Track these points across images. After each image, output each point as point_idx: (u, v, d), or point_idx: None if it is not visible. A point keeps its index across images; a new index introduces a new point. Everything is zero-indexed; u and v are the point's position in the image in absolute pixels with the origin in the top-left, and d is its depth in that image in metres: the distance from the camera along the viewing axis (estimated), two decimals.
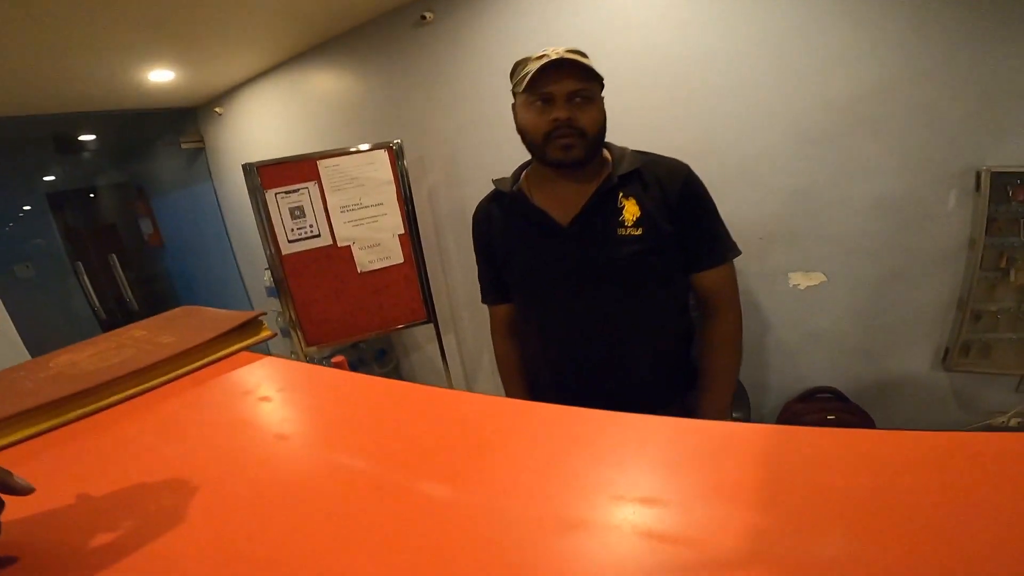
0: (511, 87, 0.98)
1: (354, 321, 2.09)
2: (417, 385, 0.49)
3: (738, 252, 1.02)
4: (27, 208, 4.64)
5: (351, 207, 2.05)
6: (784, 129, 1.75)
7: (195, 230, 4.15)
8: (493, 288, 1.14)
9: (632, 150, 1.00)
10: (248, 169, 1.94)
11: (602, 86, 0.93)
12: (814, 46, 1.69)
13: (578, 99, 0.89)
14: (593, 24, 1.86)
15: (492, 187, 1.12)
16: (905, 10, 1.58)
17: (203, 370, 0.59)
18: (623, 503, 0.29)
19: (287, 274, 2.00)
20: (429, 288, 2.19)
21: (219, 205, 3.76)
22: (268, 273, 2.66)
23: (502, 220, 1.04)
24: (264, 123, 3.06)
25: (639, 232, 0.92)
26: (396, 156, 2.08)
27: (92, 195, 5.24)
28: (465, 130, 2.22)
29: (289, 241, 2.00)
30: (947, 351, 1.78)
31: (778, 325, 1.95)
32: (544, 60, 0.88)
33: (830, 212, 1.77)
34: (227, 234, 3.79)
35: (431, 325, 2.23)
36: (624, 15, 1.80)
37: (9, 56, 1.96)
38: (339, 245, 2.05)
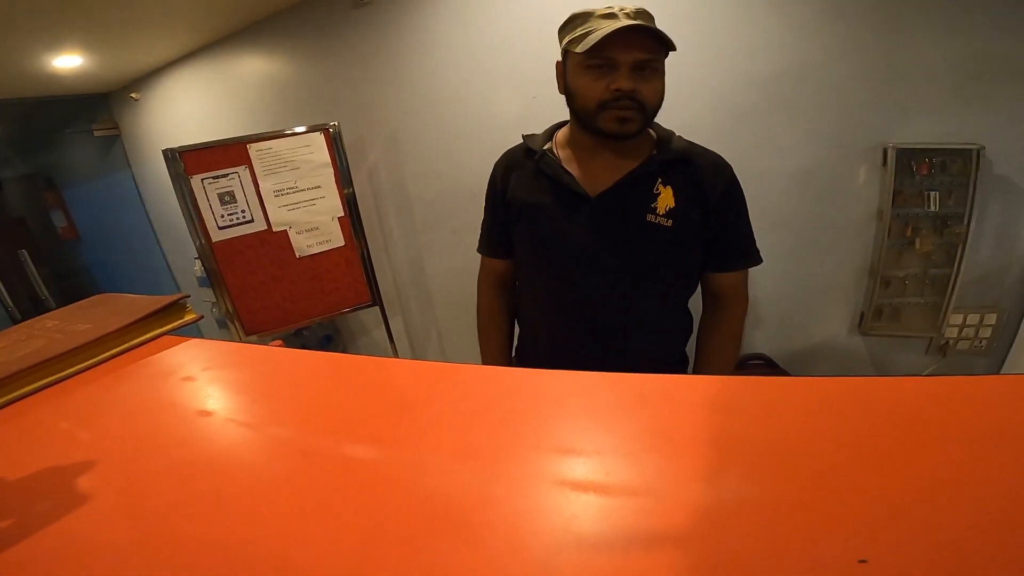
0: (562, 42, 0.88)
1: (295, 307, 2.02)
2: (345, 355, 0.48)
3: (760, 261, 1.01)
4: None
5: (286, 191, 1.97)
6: (707, 104, 1.82)
7: (114, 221, 3.85)
8: (494, 241, 1.10)
9: (678, 136, 0.95)
10: (169, 155, 1.82)
11: (667, 55, 0.84)
12: (737, 25, 1.76)
13: (643, 69, 0.82)
14: (529, 6, 1.86)
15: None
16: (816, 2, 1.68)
17: (122, 356, 0.56)
18: (543, 453, 0.30)
19: (219, 262, 1.90)
20: (373, 270, 2.14)
21: (140, 194, 3.50)
22: (199, 263, 2.51)
23: (525, 177, 0.99)
24: (189, 108, 2.86)
25: (669, 224, 0.89)
26: (333, 138, 2.00)
27: None
28: (406, 110, 2.17)
29: (220, 228, 1.89)
30: (862, 316, 1.94)
31: None
32: (614, 23, 0.78)
33: (751, 186, 1.83)
34: (151, 224, 3.54)
35: (376, 308, 2.19)
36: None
37: None
38: (274, 230, 1.97)
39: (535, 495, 0.27)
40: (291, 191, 1.97)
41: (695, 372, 1.07)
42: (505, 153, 1.07)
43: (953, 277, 1.81)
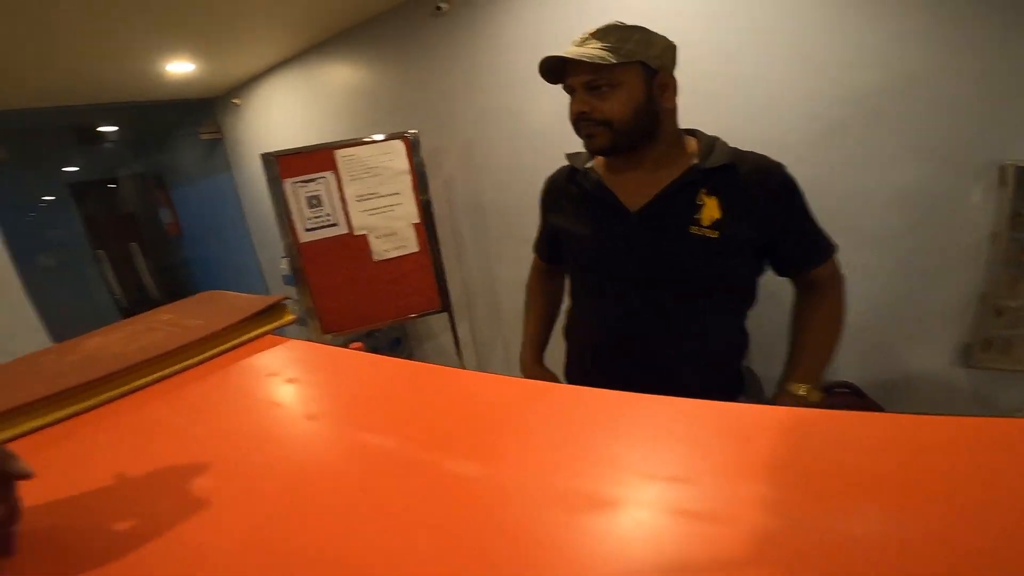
0: None
1: (369, 309, 2.11)
2: (439, 367, 0.49)
3: (836, 247, 0.97)
4: (49, 198, 4.75)
5: (367, 196, 2.07)
6: (802, 120, 1.72)
7: (213, 219, 4.22)
8: (545, 248, 1.20)
9: (723, 142, 0.93)
10: (267, 159, 1.97)
11: (643, 66, 0.85)
12: (835, 38, 1.65)
13: (600, 88, 0.85)
14: (612, 15, 1.84)
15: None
16: (929, 2, 1.55)
17: (229, 353, 0.60)
18: (653, 481, 0.29)
19: (304, 262, 2.03)
20: (444, 277, 2.20)
21: (237, 195, 3.81)
22: (285, 261, 2.70)
23: (570, 195, 1.02)
24: (281, 113, 3.09)
25: (715, 235, 0.86)
26: (412, 146, 2.09)
27: (112, 185, 5.34)
28: (481, 120, 2.22)
29: (306, 230, 2.03)
30: (967, 347, 1.75)
31: None
32: (551, 55, 0.87)
33: (849, 204, 1.74)
34: (245, 223, 3.84)
35: (445, 314, 2.25)
36: (644, 6, 1.79)
37: (30, 47, 2.00)
38: (355, 234, 2.07)
39: (647, 524, 0.27)
40: (372, 197, 2.07)
41: (792, 356, 1.00)
42: (554, 173, 1.12)
43: None
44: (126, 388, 0.52)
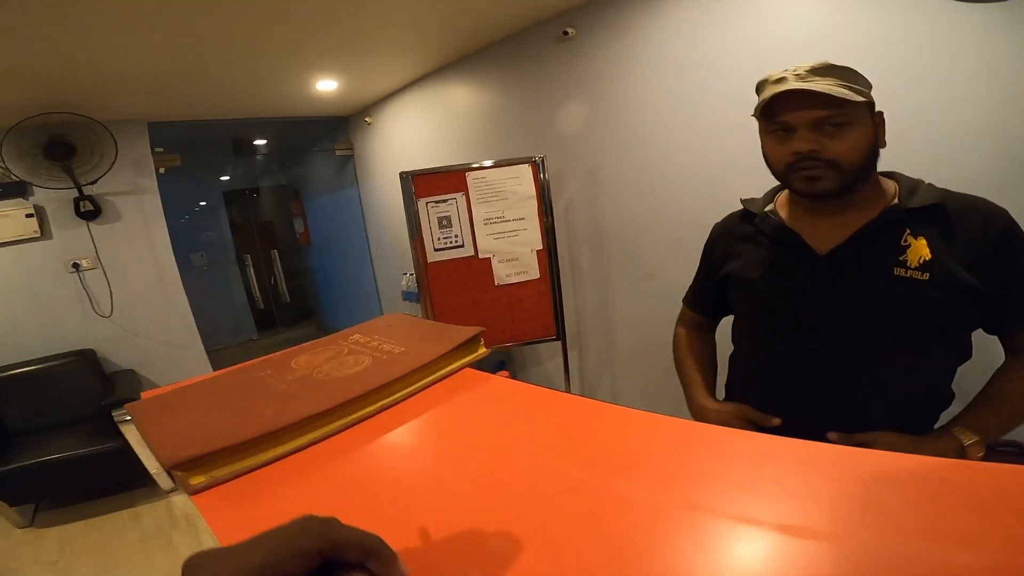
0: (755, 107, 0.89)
1: (488, 333, 2.13)
2: (631, 410, 0.49)
3: None
4: (203, 203, 5.45)
5: (494, 220, 2.11)
6: (990, 153, 1.47)
7: (338, 231, 4.56)
8: (699, 298, 1.12)
9: (930, 184, 0.86)
10: (405, 178, 2.07)
11: (870, 104, 0.80)
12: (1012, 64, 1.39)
13: (830, 126, 0.78)
14: (746, 42, 1.72)
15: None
16: None
17: (438, 385, 0.60)
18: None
19: (430, 281, 2.10)
20: (561, 305, 2.17)
21: (362, 209, 4.09)
22: (405, 278, 2.83)
23: (744, 242, 0.96)
24: (408, 133, 3.27)
25: (925, 277, 0.78)
26: (539, 171, 2.09)
27: (256, 194, 6.01)
28: (607, 146, 2.18)
29: (435, 250, 2.10)
30: None
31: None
32: (779, 87, 0.78)
33: None
34: (366, 237, 4.11)
35: (557, 342, 2.21)
36: (779, 32, 1.64)
37: (198, 65, 2.26)
38: (480, 257, 2.11)
39: None
40: (499, 220, 2.10)
41: (973, 403, 0.86)
42: (723, 220, 1.05)
43: None
44: (355, 417, 0.52)
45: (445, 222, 2.09)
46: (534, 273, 2.13)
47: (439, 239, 2.09)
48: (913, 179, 0.87)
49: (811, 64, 0.78)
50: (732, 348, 1.06)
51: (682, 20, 1.87)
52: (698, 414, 1.02)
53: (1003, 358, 0.87)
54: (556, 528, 0.33)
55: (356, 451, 0.48)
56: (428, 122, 3.10)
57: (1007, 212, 0.80)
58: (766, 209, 0.94)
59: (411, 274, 2.59)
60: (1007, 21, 1.39)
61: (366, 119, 3.61)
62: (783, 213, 0.91)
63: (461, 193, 2.09)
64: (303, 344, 0.74)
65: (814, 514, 0.31)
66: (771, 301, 0.90)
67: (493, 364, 2.74)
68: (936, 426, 0.86)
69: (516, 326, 2.16)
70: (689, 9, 1.84)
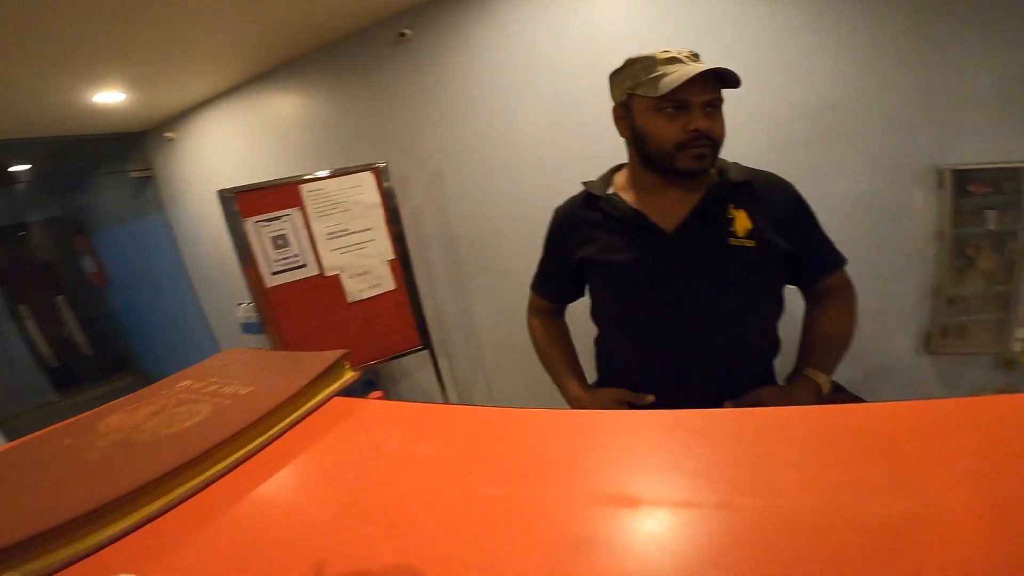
0: (621, 87, 0.92)
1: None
2: (511, 409, 0.47)
3: (847, 260, 1.03)
4: None
5: (338, 233, 1.97)
6: (766, 135, 1.82)
7: (146, 266, 3.86)
8: (549, 286, 1.14)
9: (735, 162, 0.97)
10: (224, 196, 1.83)
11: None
12: (787, 57, 1.77)
13: (711, 108, 0.86)
14: (576, 37, 1.89)
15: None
16: (867, 22, 1.70)
17: (303, 423, 0.51)
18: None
19: (273, 307, 1.89)
20: (422, 313, 2.12)
21: (174, 237, 3.52)
22: (242, 308, 2.51)
23: (593, 224, 0.99)
24: (226, 148, 2.90)
25: (752, 244, 0.89)
26: (382, 178, 2.01)
27: (22, 231, 4.80)
28: (450, 148, 2.18)
29: (273, 273, 1.89)
30: (929, 336, 1.90)
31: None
32: (690, 67, 0.82)
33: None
34: (184, 268, 3.55)
35: (425, 352, 2.16)
36: (606, 28, 1.84)
37: None
38: (327, 274, 1.96)
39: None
40: (343, 234, 1.97)
41: (809, 346, 1.02)
42: (565, 203, 1.07)
43: (1016, 293, 1.78)
44: (203, 479, 0.42)
45: (281, 241, 1.89)
46: (389, 284, 2.04)
47: (276, 261, 1.88)
48: (721, 158, 0.97)
49: (688, 50, 0.87)
50: (595, 330, 1.10)
51: (516, 19, 1.94)
52: (575, 403, 1.05)
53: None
54: (494, 557, 0.30)
55: (218, 517, 0.39)
56: (250, 134, 2.78)
57: (791, 184, 0.97)
58: (608, 192, 0.98)
59: (249, 303, 2.30)
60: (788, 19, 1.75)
61: (167, 135, 3.11)
62: (625, 195, 0.97)
63: (296, 208, 1.91)
64: (115, 401, 0.60)
65: (733, 481, 0.33)
66: (632, 280, 0.94)
67: (361, 385, 2.57)
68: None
69: (378, 342, 2.06)
70: (523, 8, 1.92)
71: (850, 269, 1.04)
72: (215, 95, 2.76)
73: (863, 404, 0.39)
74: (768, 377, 1.03)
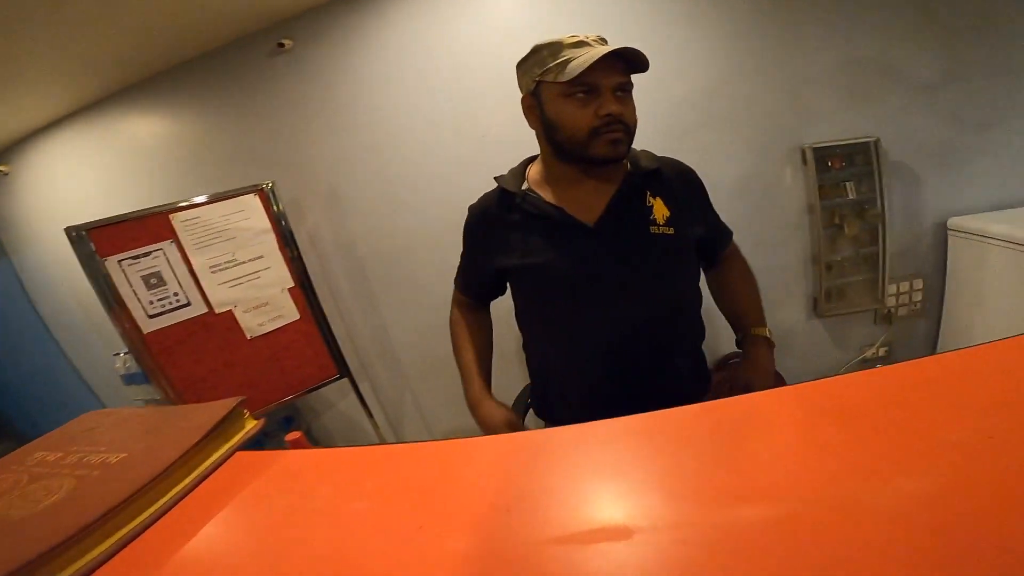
0: (528, 75, 0.88)
1: (256, 393, 1.79)
2: (430, 443, 0.44)
3: (731, 231, 1.10)
4: None
5: (223, 265, 1.76)
6: (655, 125, 1.90)
7: None
8: (470, 284, 1.11)
9: (644, 150, 0.98)
10: (74, 235, 1.56)
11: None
12: (664, 49, 1.87)
13: (621, 92, 0.83)
14: (469, 37, 1.86)
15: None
16: (734, 12, 1.84)
17: (195, 491, 0.43)
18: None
19: (155, 355, 1.65)
20: (335, 339, 1.97)
21: (22, 286, 3.00)
22: (121, 359, 2.19)
23: (509, 225, 0.95)
24: (77, 180, 2.50)
25: (672, 231, 0.90)
26: (270, 200, 1.84)
27: None
28: (344, 163, 2.05)
29: (150, 316, 1.65)
30: (815, 300, 2.09)
31: None
32: (597, 50, 0.79)
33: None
34: (41, 319, 3.05)
35: (344, 380, 2.01)
36: (498, 26, 1.83)
37: None
38: (217, 312, 1.75)
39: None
40: (230, 265, 1.76)
41: (739, 309, 1.10)
42: (478, 203, 1.02)
43: (881, 253, 2.01)
44: (71, 572, 0.33)
45: (155, 280, 1.66)
46: (292, 315, 1.87)
47: (152, 302, 1.65)
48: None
49: (596, 35, 0.85)
50: (524, 335, 1.08)
51: (402, 23, 1.87)
52: (472, 408, 1.02)
53: None
54: None
55: None
56: (105, 163, 2.40)
57: (692, 168, 1.02)
58: (523, 188, 0.95)
59: (126, 353, 2.01)
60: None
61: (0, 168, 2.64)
62: (541, 190, 0.94)
63: (169, 241, 1.68)
64: None
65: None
66: (557, 280, 0.92)
67: (278, 422, 2.36)
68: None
69: (290, 377, 1.88)
70: (408, 11, 1.85)
71: (743, 246, 1.15)
72: (57, 119, 2.38)
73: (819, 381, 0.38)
74: (701, 363, 1.06)
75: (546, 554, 0.28)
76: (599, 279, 0.90)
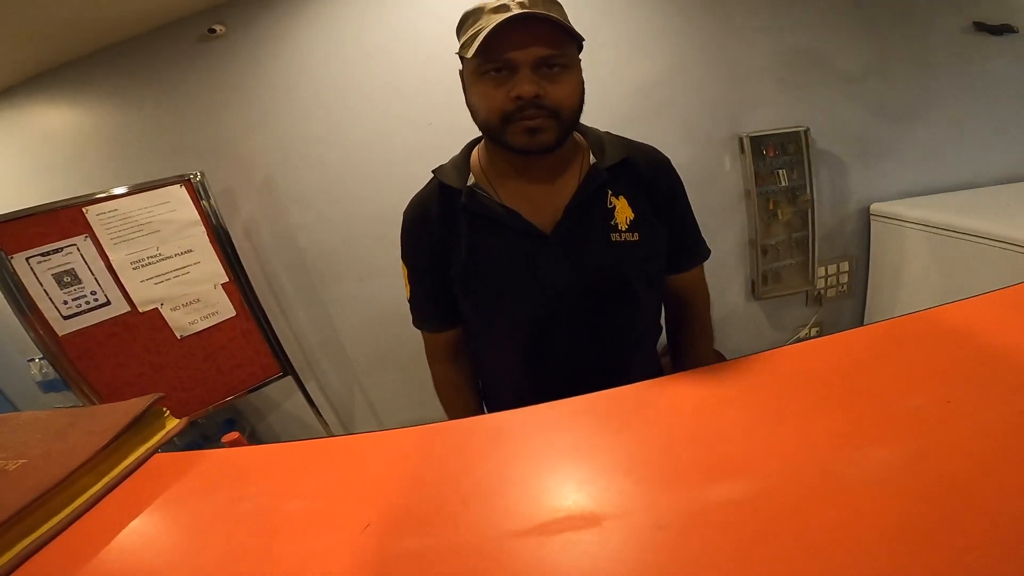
0: (457, 48, 0.73)
1: (191, 395, 1.69)
2: (369, 434, 0.41)
3: (709, 252, 0.93)
4: None
5: (147, 260, 1.64)
6: (602, 114, 1.91)
7: None
8: (434, 311, 0.89)
9: (608, 133, 0.83)
10: None
11: (580, 49, 0.72)
12: (616, 37, 1.88)
13: (549, 68, 0.67)
14: (412, 24, 1.81)
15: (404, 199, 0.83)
16: (677, 4, 1.87)
17: (107, 497, 0.39)
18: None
19: (73, 359, 1.52)
20: (275, 335, 1.88)
21: None
22: (36, 364, 2.01)
23: (452, 223, 0.79)
24: None
25: (635, 238, 0.78)
26: (198, 191, 1.72)
27: None
28: (280, 153, 1.95)
29: (65, 317, 1.52)
30: (753, 283, 2.18)
31: None
32: (503, 15, 0.64)
33: None
34: None
35: (288, 378, 1.93)
36: (441, 13, 1.79)
37: None
38: (141, 310, 1.63)
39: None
40: (154, 260, 1.65)
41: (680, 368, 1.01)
42: (414, 200, 0.85)
43: (811, 237, 2.12)
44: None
45: (69, 278, 1.52)
46: (227, 311, 1.77)
47: (67, 303, 1.51)
48: (592, 128, 0.84)
49: None
50: (472, 344, 0.94)
51: (344, 5, 1.80)
52: None
53: None
54: None
55: None
56: (9, 153, 2.19)
57: (669, 160, 0.85)
58: (469, 184, 0.79)
59: (40, 358, 1.85)
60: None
61: None
62: (486, 185, 0.79)
63: (83, 235, 1.55)
64: None
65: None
66: (514, 294, 0.80)
67: (219, 425, 2.23)
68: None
69: (228, 377, 1.78)
70: None
71: None
72: None
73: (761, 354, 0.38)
74: (655, 369, 0.96)
75: (510, 549, 0.26)
76: (553, 294, 0.78)
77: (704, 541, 0.23)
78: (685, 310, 0.96)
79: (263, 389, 1.91)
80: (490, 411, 1.00)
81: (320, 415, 2.04)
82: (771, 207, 2.10)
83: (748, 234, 2.14)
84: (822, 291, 2.22)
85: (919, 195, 2.09)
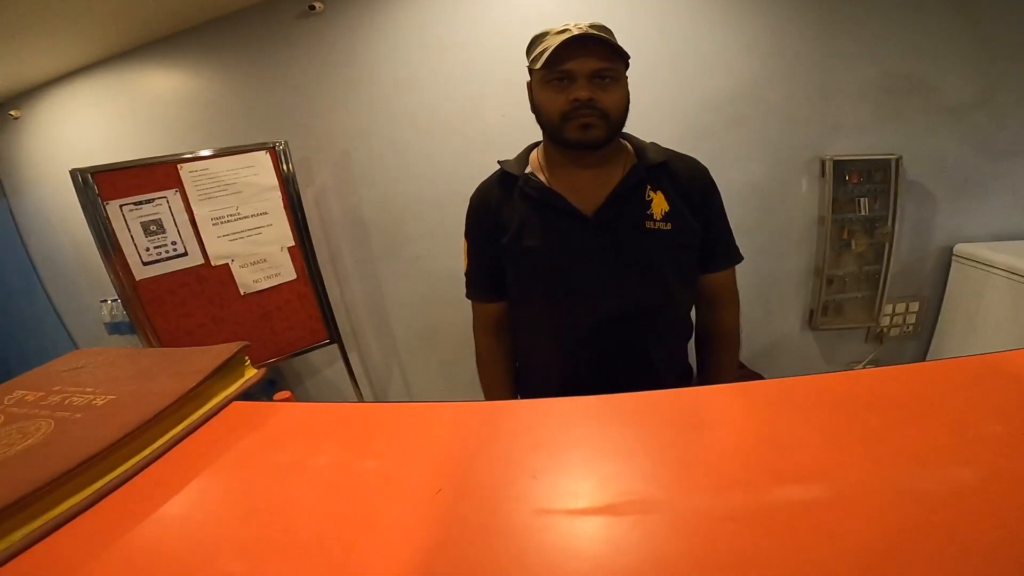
0: (527, 63, 0.90)
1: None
2: (423, 404, 0.41)
3: (742, 258, 1.02)
4: None
5: (226, 218, 1.74)
6: (674, 125, 1.89)
7: None
8: (486, 284, 1.03)
9: (653, 143, 0.97)
10: (80, 177, 1.54)
11: (627, 66, 0.86)
12: (697, 50, 1.84)
13: (601, 79, 0.83)
14: (494, 16, 1.83)
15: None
16: (764, 18, 1.80)
17: (186, 441, 0.40)
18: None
19: (145, 304, 1.63)
20: (329, 304, 1.95)
21: (16, 228, 2.97)
22: (107, 306, 2.17)
23: (510, 205, 0.94)
24: (87, 128, 2.46)
25: (668, 227, 0.88)
26: (280, 158, 1.81)
27: None
28: (360, 129, 2.02)
29: (144, 264, 1.63)
30: (811, 313, 2.08)
31: None
32: (565, 35, 0.80)
33: None
34: (32, 263, 3.01)
35: (333, 346, 1.99)
36: (525, 11, 1.81)
37: None
38: (214, 264, 1.72)
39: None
40: (232, 218, 1.74)
41: (700, 379, 1.07)
42: (480, 186, 1.01)
43: (883, 272, 2.01)
44: (41, 523, 0.30)
45: (155, 227, 1.63)
46: (289, 274, 1.85)
47: (149, 250, 1.62)
48: (640, 139, 0.97)
49: (589, 22, 0.83)
50: (513, 319, 1.05)
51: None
52: None
53: None
54: None
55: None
56: (118, 114, 2.36)
57: (707, 168, 0.97)
58: (526, 172, 0.94)
59: (114, 300, 1.99)
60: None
61: (11, 113, 2.59)
62: (541, 176, 0.93)
63: (174, 190, 1.66)
64: None
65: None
66: (549, 267, 0.91)
67: (261, 385, 2.32)
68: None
69: (278, 337, 1.86)
70: None
71: (744, 250, 1.01)
72: (75, 69, 2.34)
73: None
74: (683, 362, 1.04)
75: (581, 524, 0.27)
76: (589, 270, 0.90)
77: (772, 537, 0.24)
78: (714, 313, 1.04)
79: (308, 354, 1.98)
80: (519, 372, 1.10)
81: (357, 386, 2.10)
82: (845, 236, 2.00)
83: (815, 261, 2.04)
84: (885, 329, 2.09)
85: (1007, 239, 1.94)
